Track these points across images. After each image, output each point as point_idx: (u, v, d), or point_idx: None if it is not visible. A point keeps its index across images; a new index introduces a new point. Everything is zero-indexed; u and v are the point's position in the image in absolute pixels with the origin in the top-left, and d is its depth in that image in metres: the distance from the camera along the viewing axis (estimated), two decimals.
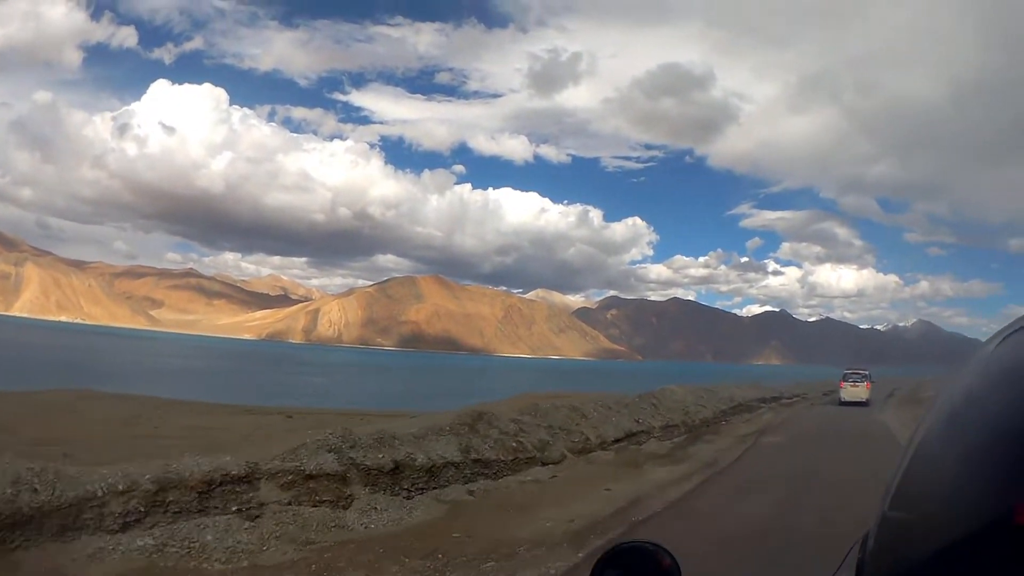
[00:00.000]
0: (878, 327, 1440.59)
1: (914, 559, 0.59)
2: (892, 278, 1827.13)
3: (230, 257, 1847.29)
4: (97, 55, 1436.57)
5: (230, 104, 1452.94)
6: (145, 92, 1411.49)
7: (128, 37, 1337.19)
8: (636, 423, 21.92)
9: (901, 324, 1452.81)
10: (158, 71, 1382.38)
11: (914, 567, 0.58)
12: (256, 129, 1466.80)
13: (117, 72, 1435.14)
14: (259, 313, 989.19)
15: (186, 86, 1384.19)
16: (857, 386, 46.49)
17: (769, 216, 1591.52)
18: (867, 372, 49.14)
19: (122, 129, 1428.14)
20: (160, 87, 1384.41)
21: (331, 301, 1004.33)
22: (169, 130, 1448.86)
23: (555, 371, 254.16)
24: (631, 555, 1.67)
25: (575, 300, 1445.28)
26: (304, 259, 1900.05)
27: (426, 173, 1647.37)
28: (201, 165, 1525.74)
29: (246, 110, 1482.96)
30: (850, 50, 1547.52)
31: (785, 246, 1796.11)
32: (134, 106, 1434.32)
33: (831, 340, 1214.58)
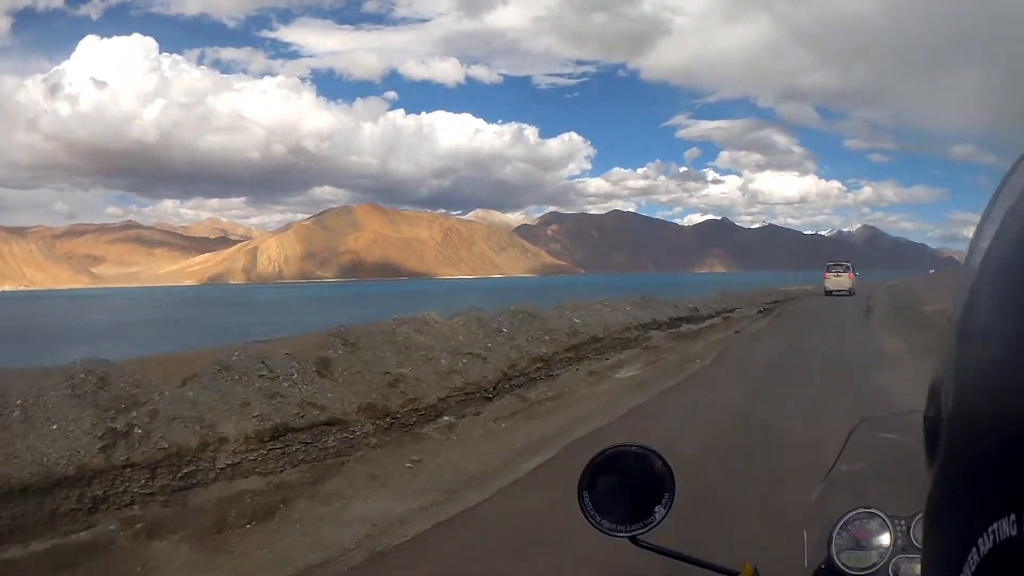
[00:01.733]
0: (823, 232, 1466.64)
1: (1006, 401, 0.69)
2: (835, 184, 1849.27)
3: (169, 205, 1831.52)
4: (24, 19, 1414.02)
5: (160, 52, 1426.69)
6: (74, 50, 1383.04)
7: None
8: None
9: (846, 229, 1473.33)
10: (86, 27, 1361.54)
11: (1007, 408, 0.52)
12: (186, 74, 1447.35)
13: (45, 33, 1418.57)
14: (199, 258, 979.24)
15: (115, 39, 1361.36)
16: (840, 276, 51.26)
17: (706, 126, 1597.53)
18: (849, 263, 53.53)
19: (53, 89, 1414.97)
20: (89, 43, 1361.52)
21: (269, 238, 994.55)
22: (100, 85, 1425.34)
23: (499, 290, 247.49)
24: (622, 459, 1.64)
25: (515, 218, 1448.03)
26: (242, 199, 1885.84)
27: (358, 102, 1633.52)
28: (134, 116, 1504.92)
29: (176, 56, 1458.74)
30: None
31: (724, 155, 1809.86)
32: (64, 65, 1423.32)
33: (775, 246, 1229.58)
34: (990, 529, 0.51)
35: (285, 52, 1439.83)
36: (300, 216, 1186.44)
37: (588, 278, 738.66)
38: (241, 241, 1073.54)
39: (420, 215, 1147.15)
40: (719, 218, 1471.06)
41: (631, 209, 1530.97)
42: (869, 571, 1.70)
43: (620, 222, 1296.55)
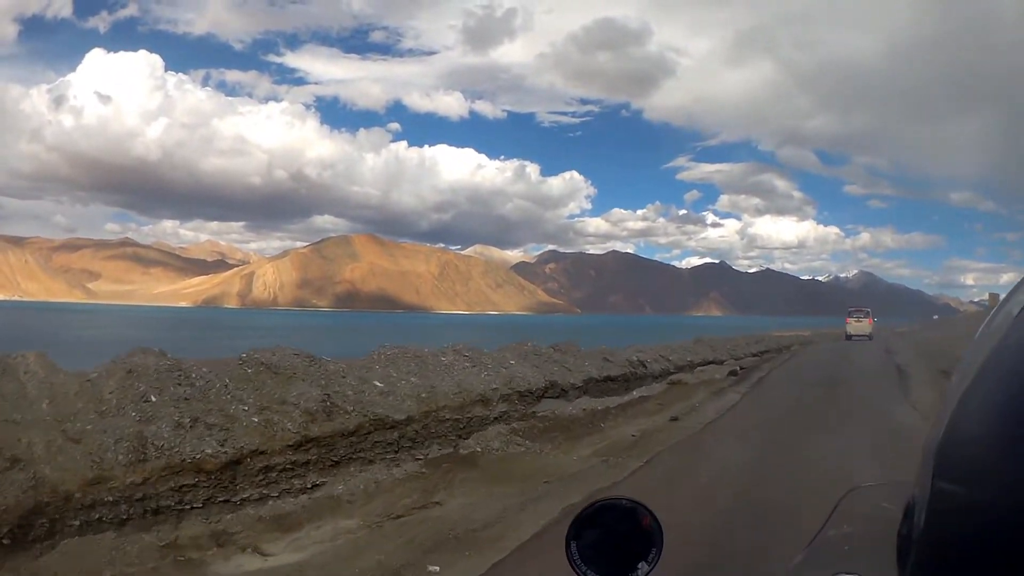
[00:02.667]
0: (819, 278, 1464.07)
1: (974, 535, 0.67)
2: (833, 230, 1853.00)
3: (168, 225, 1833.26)
4: (32, 27, 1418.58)
5: (165, 70, 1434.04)
6: (80, 62, 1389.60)
7: (63, 7, 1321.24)
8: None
9: (842, 275, 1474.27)
10: (93, 40, 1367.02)
11: (975, 541, 0.68)
12: (191, 94, 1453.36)
13: (52, 44, 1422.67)
14: (195, 280, 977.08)
15: (121, 54, 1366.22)
16: (860, 321, 53.71)
17: (707, 169, 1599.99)
18: (868, 310, 56.13)
19: (58, 101, 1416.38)
20: (95, 56, 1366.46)
21: (265, 264, 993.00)
22: (105, 99, 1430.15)
23: (493, 327, 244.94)
24: (610, 513, 1.65)
25: (513, 255, 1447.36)
26: (242, 223, 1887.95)
27: (361, 132, 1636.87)
28: (137, 133, 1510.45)
29: (181, 75, 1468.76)
30: (786, 6, 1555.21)
31: (724, 198, 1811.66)
32: (70, 77, 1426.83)
33: (771, 291, 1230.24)
34: None
35: (291, 78, 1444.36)
36: (299, 243, 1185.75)
37: (586, 318, 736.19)
38: (239, 265, 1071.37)
39: (418, 248, 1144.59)
40: (717, 261, 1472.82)
41: (630, 250, 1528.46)
42: None
43: (618, 263, 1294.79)
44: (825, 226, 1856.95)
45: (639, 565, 1.55)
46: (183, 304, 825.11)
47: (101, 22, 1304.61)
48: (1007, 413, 0.50)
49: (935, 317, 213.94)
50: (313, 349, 11.72)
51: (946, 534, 0.53)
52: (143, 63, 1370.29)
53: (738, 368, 25.15)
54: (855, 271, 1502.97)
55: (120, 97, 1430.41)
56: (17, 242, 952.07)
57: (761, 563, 7.94)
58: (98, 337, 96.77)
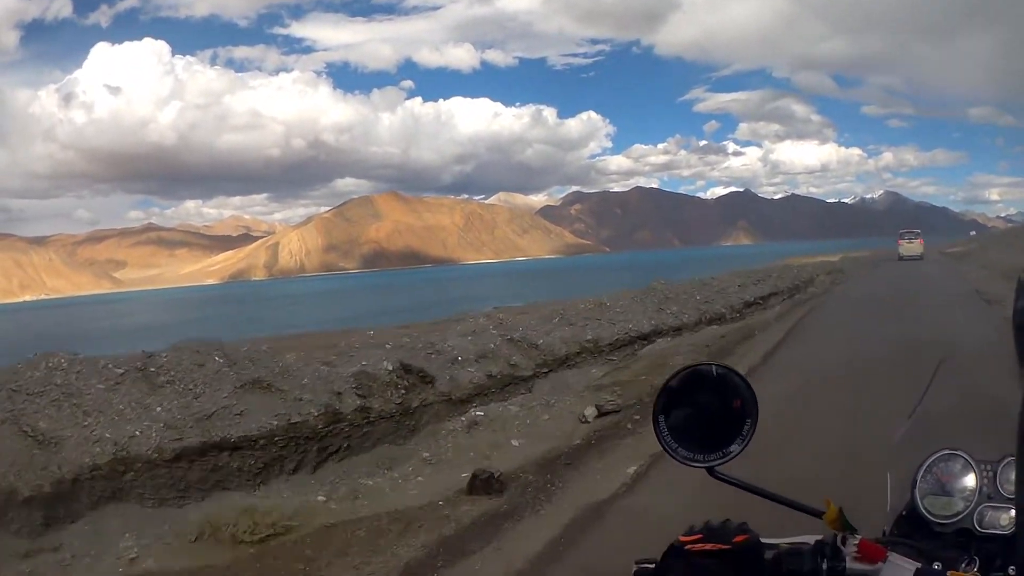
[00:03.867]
0: (845, 200, 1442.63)
1: None
2: (855, 151, 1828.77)
3: (191, 205, 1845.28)
4: (34, 31, 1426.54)
5: (172, 55, 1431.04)
6: (86, 58, 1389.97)
7: (62, 7, 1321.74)
8: None
9: (868, 196, 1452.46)
10: (97, 35, 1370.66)
11: None
12: (201, 75, 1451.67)
13: (56, 44, 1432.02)
14: (220, 256, 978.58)
15: (126, 45, 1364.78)
16: (912, 242, 56.27)
17: (723, 99, 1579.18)
18: (918, 231, 59.36)
19: (67, 99, 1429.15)
20: (101, 50, 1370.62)
21: (290, 232, 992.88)
22: (115, 91, 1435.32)
23: (530, 273, 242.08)
24: (701, 381, 1.55)
25: (538, 200, 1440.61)
26: (264, 195, 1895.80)
27: (375, 93, 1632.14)
28: (150, 120, 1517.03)
29: (189, 58, 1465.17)
30: None
31: (743, 127, 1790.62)
32: (77, 74, 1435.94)
33: (799, 216, 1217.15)
34: None
35: (299, 47, 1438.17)
36: (323, 209, 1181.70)
37: (616, 256, 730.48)
38: (264, 237, 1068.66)
39: (441, 201, 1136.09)
40: (741, 190, 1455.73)
41: (654, 185, 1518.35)
42: (954, 519, 1.65)
43: (643, 199, 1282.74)
44: (847, 148, 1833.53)
45: (735, 439, 1.48)
46: (210, 282, 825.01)
47: (102, 16, 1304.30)
48: None
49: (972, 233, 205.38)
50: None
51: None
52: (149, 51, 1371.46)
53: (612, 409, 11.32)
54: (881, 191, 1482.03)
55: (129, 87, 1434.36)
56: (39, 241, 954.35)
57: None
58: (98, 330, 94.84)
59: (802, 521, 1.49)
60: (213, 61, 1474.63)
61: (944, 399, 1.85)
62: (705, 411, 1.51)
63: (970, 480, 1.65)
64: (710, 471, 1.50)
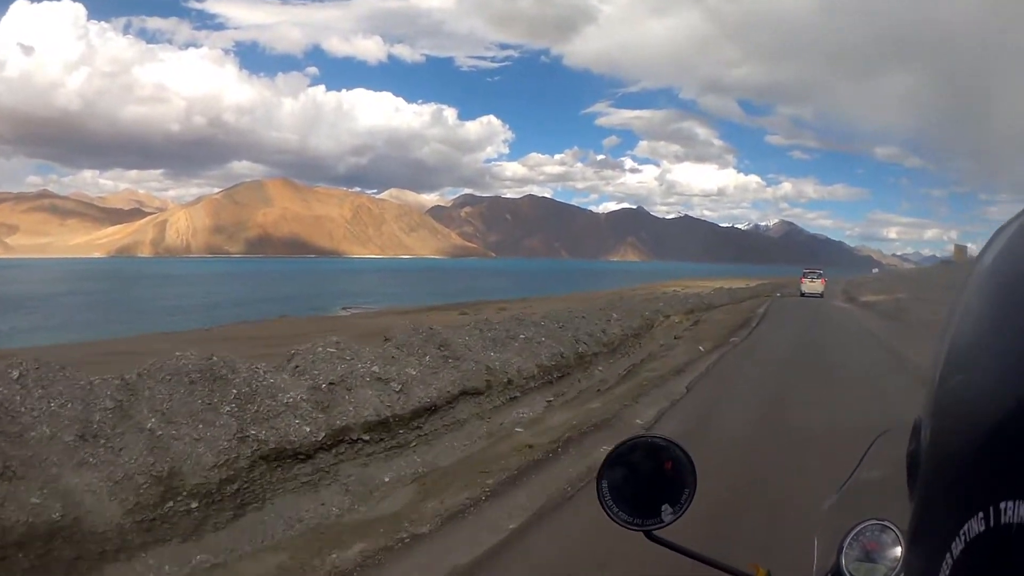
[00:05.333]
0: (739, 225, 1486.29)
1: (977, 412, 0.68)
2: (754, 178, 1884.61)
3: (88, 175, 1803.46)
4: None
5: (88, 19, 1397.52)
6: (4, 14, 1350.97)
7: None
8: None
9: (763, 224, 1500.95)
10: None
11: (977, 418, 0.71)
12: (112, 43, 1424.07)
13: None
14: (110, 229, 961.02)
15: (45, 3, 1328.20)
16: (814, 281, 57.52)
17: (626, 115, 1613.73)
18: (821, 271, 60.72)
19: None
20: (19, 7, 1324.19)
21: (179, 211, 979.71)
22: (28, 50, 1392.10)
23: (412, 272, 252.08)
24: (643, 450, 1.60)
25: (429, 199, 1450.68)
26: (161, 171, 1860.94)
27: (280, 77, 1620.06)
28: (59, 84, 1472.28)
29: (103, 24, 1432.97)
30: None
31: (643, 144, 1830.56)
32: None
33: (690, 237, 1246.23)
34: (961, 532, 0.51)
35: (211, 23, 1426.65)
36: (216, 190, 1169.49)
37: (497, 262, 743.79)
38: (155, 213, 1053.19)
39: (331, 192, 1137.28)
40: (634, 207, 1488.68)
41: (547, 194, 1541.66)
42: None
43: (535, 207, 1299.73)
44: (746, 175, 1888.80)
45: (663, 507, 1.53)
46: (96, 255, 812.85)
47: None
48: (1000, 319, 0.54)
49: (875, 271, 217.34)
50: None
51: (946, 423, 0.56)
52: (67, 12, 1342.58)
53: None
54: (776, 220, 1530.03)
55: (43, 48, 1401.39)
56: None
57: None
58: None
59: None
60: (126, 30, 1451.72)
61: (877, 470, 1.90)
62: (646, 478, 1.57)
63: (896, 549, 1.70)
64: (647, 534, 1.55)
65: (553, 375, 12.89)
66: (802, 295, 55.22)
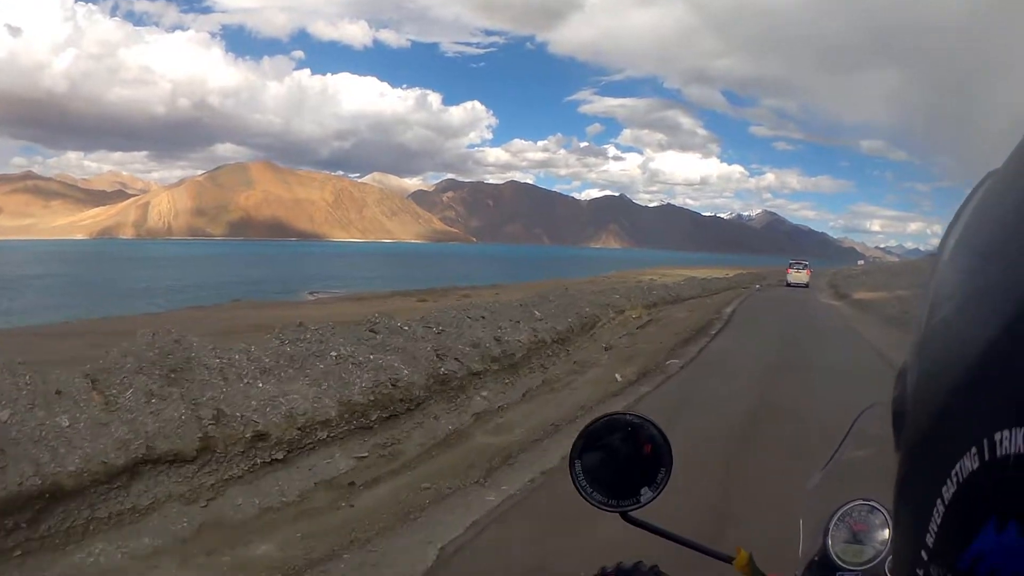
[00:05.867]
0: (721, 215, 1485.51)
1: (962, 346, 0.68)
2: (737, 168, 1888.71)
3: (73, 157, 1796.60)
4: None
5: (75, 1, 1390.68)
6: None
7: None
8: None
9: (745, 214, 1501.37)
10: None
11: (963, 352, 0.69)
12: (100, 24, 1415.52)
13: None
14: (92, 211, 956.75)
15: None
16: (800, 272, 58.11)
17: (610, 103, 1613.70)
18: (807, 262, 61.37)
19: None
20: None
21: (161, 193, 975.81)
22: (15, 31, 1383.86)
23: (395, 256, 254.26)
24: (618, 429, 1.53)
25: (412, 183, 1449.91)
26: (145, 153, 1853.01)
27: (265, 60, 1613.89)
28: (46, 65, 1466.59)
29: (91, 6, 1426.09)
30: None
31: (627, 132, 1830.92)
32: None
33: (672, 226, 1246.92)
34: (953, 472, 0.51)
35: (198, 6, 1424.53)
36: (199, 172, 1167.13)
37: (478, 247, 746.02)
38: (138, 195, 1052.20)
39: (313, 175, 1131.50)
40: (617, 194, 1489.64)
41: (529, 181, 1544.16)
42: (864, 567, 1.65)
43: (517, 193, 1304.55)
44: (729, 164, 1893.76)
45: (642, 490, 1.47)
46: (79, 236, 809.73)
47: None
48: (988, 246, 0.55)
49: (860, 262, 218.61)
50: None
51: (931, 365, 0.55)
52: None
53: None
54: (759, 210, 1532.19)
55: (30, 29, 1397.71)
56: None
57: None
58: None
59: (714, 565, 1.49)
60: (114, 12, 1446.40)
61: (863, 448, 1.81)
62: (621, 458, 1.51)
63: (884, 530, 1.66)
64: (623, 515, 1.50)
65: (373, 417, 8.89)
66: (787, 285, 56.75)
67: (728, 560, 1.50)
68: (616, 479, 1.50)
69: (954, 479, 0.52)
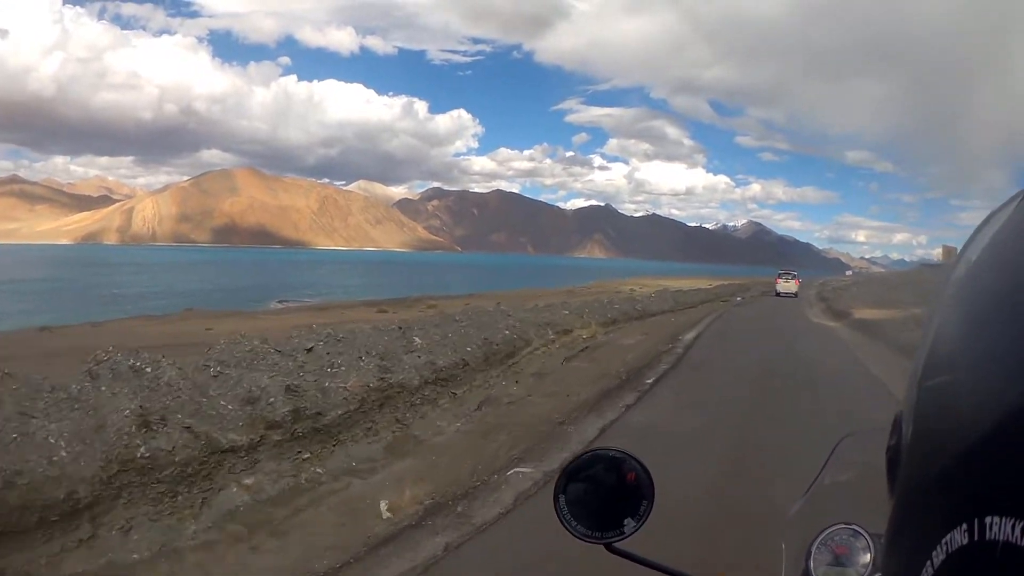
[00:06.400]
0: (707, 225, 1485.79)
1: (962, 418, 0.50)
2: (723, 179, 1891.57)
3: (60, 161, 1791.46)
4: None
5: (63, 3, 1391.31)
6: None
7: None
8: None
9: (731, 224, 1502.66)
10: None
11: (963, 424, 0.51)
12: (87, 28, 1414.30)
13: None
14: (77, 216, 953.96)
15: None
16: (789, 281, 59.50)
17: (597, 112, 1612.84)
18: (796, 272, 63.11)
19: None
20: None
21: (146, 198, 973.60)
22: (2, 34, 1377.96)
23: (377, 264, 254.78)
24: (600, 464, 1.56)
25: (397, 191, 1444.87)
26: (131, 159, 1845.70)
27: (252, 66, 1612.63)
28: (33, 68, 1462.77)
29: (78, 9, 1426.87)
30: None
31: (612, 142, 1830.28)
32: None
33: (657, 236, 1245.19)
34: (943, 541, 0.52)
35: (186, 11, 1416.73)
36: (185, 178, 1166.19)
37: (461, 256, 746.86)
38: (124, 200, 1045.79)
39: (298, 183, 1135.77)
40: (602, 204, 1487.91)
41: (515, 190, 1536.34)
42: None
43: (502, 202, 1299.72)
44: (715, 175, 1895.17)
45: (625, 521, 1.49)
46: (63, 242, 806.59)
47: None
48: (985, 321, 0.52)
49: (849, 272, 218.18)
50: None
51: (930, 422, 0.54)
52: None
53: None
54: (744, 220, 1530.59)
55: (17, 31, 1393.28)
56: None
57: None
58: None
59: None
60: (101, 15, 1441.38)
61: (842, 474, 1.87)
62: (604, 491, 1.54)
63: (866, 554, 1.66)
64: (608, 547, 1.51)
65: None
66: (777, 294, 58.16)
67: None
68: (601, 511, 1.51)
69: (944, 548, 0.53)
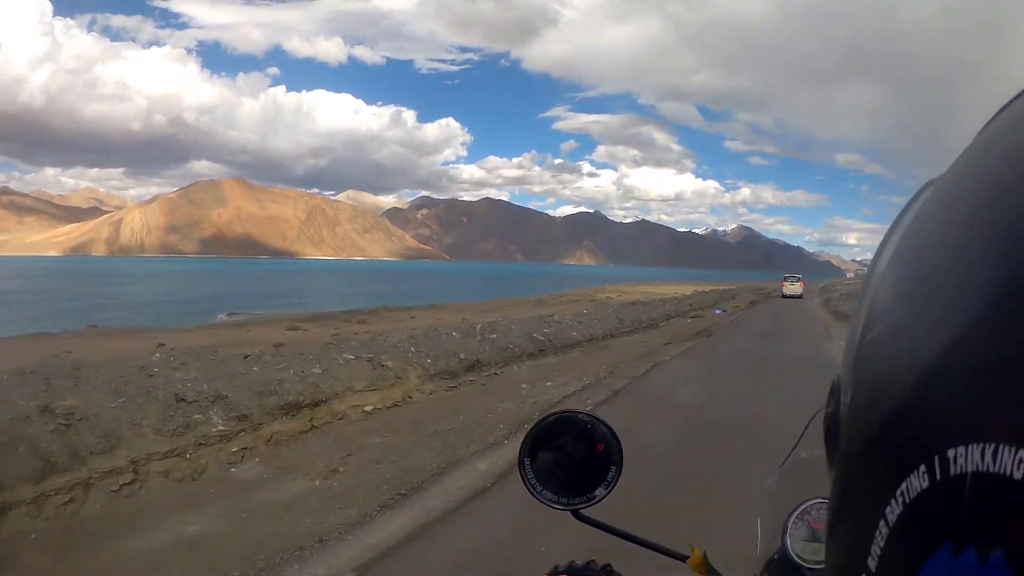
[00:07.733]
0: (697, 230, 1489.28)
1: (909, 355, 0.47)
2: (712, 184, 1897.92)
3: (50, 173, 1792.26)
4: None
5: (54, 15, 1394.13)
6: None
7: None
8: None
9: (721, 229, 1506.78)
10: None
11: (911, 361, 0.46)
12: (77, 39, 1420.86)
13: None
14: (66, 228, 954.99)
15: None
16: (794, 284, 61.96)
17: (585, 119, 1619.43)
18: (800, 276, 65.68)
19: None
20: None
21: (134, 210, 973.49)
22: None
23: (367, 274, 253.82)
24: (568, 427, 1.50)
25: (386, 200, 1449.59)
26: (122, 170, 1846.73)
27: (241, 77, 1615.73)
28: (23, 80, 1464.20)
29: (69, 20, 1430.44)
30: None
31: (601, 149, 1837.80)
32: None
33: (647, 242, 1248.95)
34: (898, 492, 0.46)
35: (175, 22, 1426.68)
36: (175, 189, 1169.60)
37: (451, 265, 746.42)
38: (113, 211, 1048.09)
39: (286, 192, 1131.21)
40: (591, 211, 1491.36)
41: (504, 198, 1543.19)
42: (823, 564, 1.06)
43: (491, 210, 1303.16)
44: (704, 180, 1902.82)
45: (597, 489, 1.44)
46: (52, 253, 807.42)
47: None
48: (919, 266, 0.53)
49: (850, 275, 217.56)
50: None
51: (867, 378, 0.53)
52: (33, 7, 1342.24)
53: None
54: (734, 225, 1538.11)
55: (8, 43, 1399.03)
56: None
57: None
58: None
59: (668, 564, 1.44)
60: (91, 27, 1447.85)
61: (818, 447, 1.24)
62: (572, 456, 1.49)
63: None
64: (575, 514, 1.48)
65: None
66: (783, 296, 60.48)
67: (682, 559, 1.47)
68: (568, 477, 1.48)
69: (899, 499, 0.47)
